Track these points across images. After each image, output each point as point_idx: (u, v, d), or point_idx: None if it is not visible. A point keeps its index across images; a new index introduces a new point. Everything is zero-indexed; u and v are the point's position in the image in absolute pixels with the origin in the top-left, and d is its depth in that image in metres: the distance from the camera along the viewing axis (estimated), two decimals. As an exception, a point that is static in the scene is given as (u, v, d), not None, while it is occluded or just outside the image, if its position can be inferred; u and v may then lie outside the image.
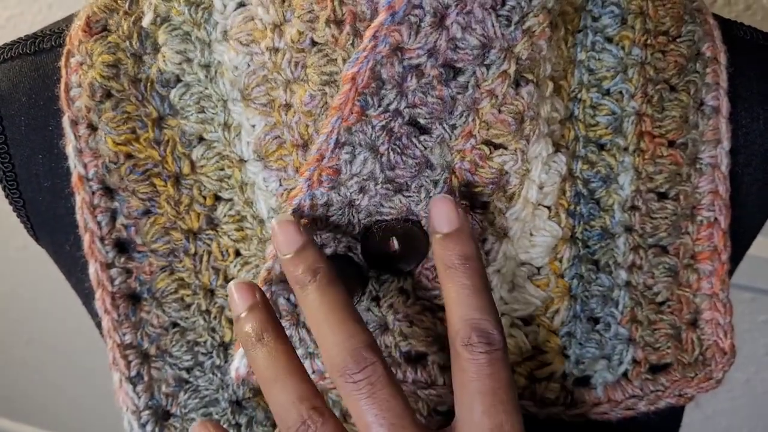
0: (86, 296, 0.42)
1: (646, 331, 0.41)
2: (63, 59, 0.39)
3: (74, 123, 0.39)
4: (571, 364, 0.40)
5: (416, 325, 0.39)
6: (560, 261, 0.40)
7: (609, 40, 0.40)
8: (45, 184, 0.42)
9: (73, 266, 0.43)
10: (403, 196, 0.37)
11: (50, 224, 0.43)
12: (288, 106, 0.37)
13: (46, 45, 0.42)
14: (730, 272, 0.44)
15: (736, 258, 0.46)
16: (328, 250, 0.37)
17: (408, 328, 0.39)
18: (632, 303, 0.41)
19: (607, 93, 0.40)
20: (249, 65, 0.37)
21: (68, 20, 0.42)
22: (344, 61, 0.34)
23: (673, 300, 0.42)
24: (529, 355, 0.40)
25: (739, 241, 0.45)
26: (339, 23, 0.34)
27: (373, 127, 0.34)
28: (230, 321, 0.40)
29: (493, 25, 0.33)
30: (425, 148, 0.36)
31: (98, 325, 0.43)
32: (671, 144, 0.41)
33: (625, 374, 0.41)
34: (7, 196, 0.43)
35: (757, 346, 1.04)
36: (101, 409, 1.62)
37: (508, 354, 0.39)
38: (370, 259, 0.38)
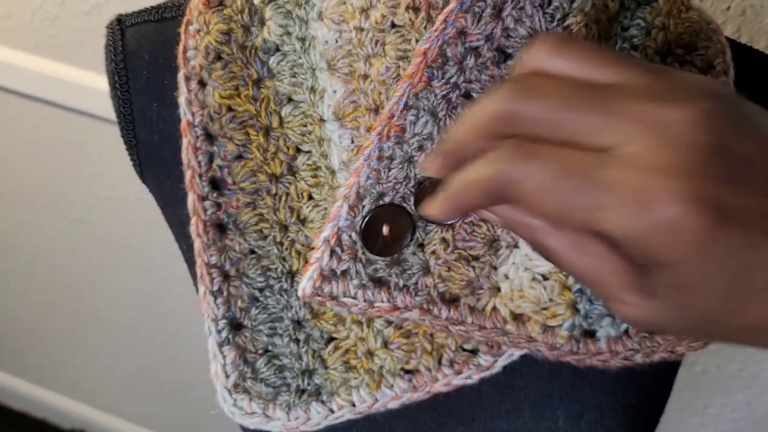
0: (180, 224, 0.50)
1: None
2: (183, 26, 0.48)
3: (187, 78, 0.47)
4: (580, 317, 0.47)
5: (453, 270, 0.46)
6: None
7: (635, 48, 0.48)
8: (156, 128, 0.51)
9: (171, 199, 0.51)
10: None
11: (156, 162, 0.52)
12: (366, 76, 0.45)
13: (167, 15, 0.51)
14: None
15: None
16: (387, 199, 0.45)
17: (446, 272, 0.46)
18: None
19: None
20: (337, 41, 0.46)
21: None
22: (417, 41, 0.43)
23: None
24: (545, 306, 0.47)
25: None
26: (416, 9, 0.42)
27: (435, 96, 0.42)
28: (298, 253, 0.48)
29: (539, 20, 0.41)
30: None
31: (185, 252, 0.51)
32: None
33: (626, 331, 0.48)
34: (123, 136, 0.51)
35: (761, 368, 1.09)
36: (133, 383, 1.69)
37: (529, 304, 0.47)
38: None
